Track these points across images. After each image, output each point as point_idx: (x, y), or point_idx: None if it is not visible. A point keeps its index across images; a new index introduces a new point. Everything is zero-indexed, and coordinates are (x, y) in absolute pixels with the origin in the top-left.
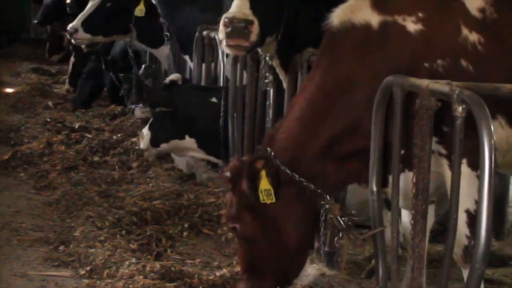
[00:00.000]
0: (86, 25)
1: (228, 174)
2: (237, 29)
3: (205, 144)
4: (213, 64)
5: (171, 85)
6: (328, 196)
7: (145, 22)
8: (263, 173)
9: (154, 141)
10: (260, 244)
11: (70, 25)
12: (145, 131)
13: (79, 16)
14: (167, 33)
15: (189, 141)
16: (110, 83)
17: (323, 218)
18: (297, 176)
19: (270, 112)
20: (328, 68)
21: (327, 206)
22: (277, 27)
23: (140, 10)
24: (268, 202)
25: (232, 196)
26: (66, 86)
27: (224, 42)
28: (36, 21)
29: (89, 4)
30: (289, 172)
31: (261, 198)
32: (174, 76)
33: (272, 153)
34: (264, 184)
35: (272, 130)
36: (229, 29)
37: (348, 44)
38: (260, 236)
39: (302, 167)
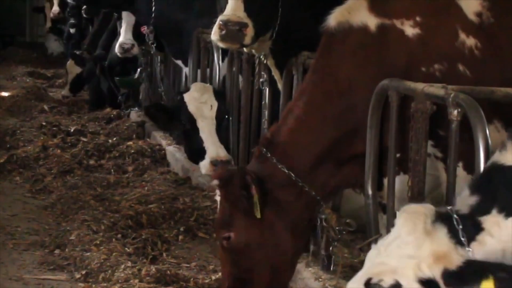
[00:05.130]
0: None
1: (216, 181)
2: (232, 32)
3: None
4: (208, 68)
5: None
6: (324, 204)
7: None
8: (253, 186)
9: None
10: (255, 252)
11: (128, 40)
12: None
13: (126, 30)
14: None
15: None
16: (107, 89)
17: (319, 224)
18: (300, 181)
19: (266, 112)
20: (328, 70)
21: (324, 216)
22: (270, 26)
23: None
24: (257, 216)
25: (224, 204)
26: (66, 92)
27: (217, 44)
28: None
29: (124, 15)
30: (293, 176)
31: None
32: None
33: (274, 159)
34: (255, 197)
35: (268, 133)
36: (223, 32)
37: (346, 46)
38: (256, 242)
39: (303, 172)
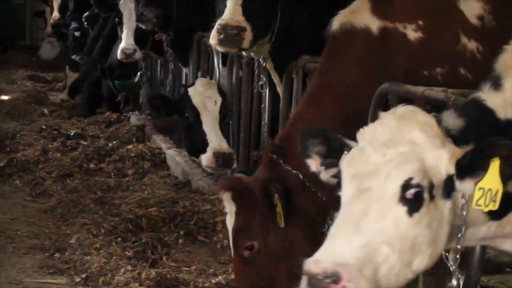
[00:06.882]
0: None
1: (228, 193)
2: (230, 36)
3: None
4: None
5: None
6: (333, 210)
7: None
8: (277, 196)
9: None
10: (278, 259)
11: (130, 45)
12: (225, 145)
13: (127, 35)
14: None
15: None
16: (108, 91)
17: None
18: (313, 186)
19: (266, 115)
20: (334, 75)
21: (330, 221)
22: (269, 30)
23: None
24: (280, 225)
25: (241, 214)
26: (64, 96)
27: (216, 47)
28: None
29: (125, 20)
30: (307, 182)
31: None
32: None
33: (287, 166)
34: (278, 207)
35: (276, 140)
36: (222, 36)
37: (349, 49)
38: (280, 250)
39: (314, 178)
